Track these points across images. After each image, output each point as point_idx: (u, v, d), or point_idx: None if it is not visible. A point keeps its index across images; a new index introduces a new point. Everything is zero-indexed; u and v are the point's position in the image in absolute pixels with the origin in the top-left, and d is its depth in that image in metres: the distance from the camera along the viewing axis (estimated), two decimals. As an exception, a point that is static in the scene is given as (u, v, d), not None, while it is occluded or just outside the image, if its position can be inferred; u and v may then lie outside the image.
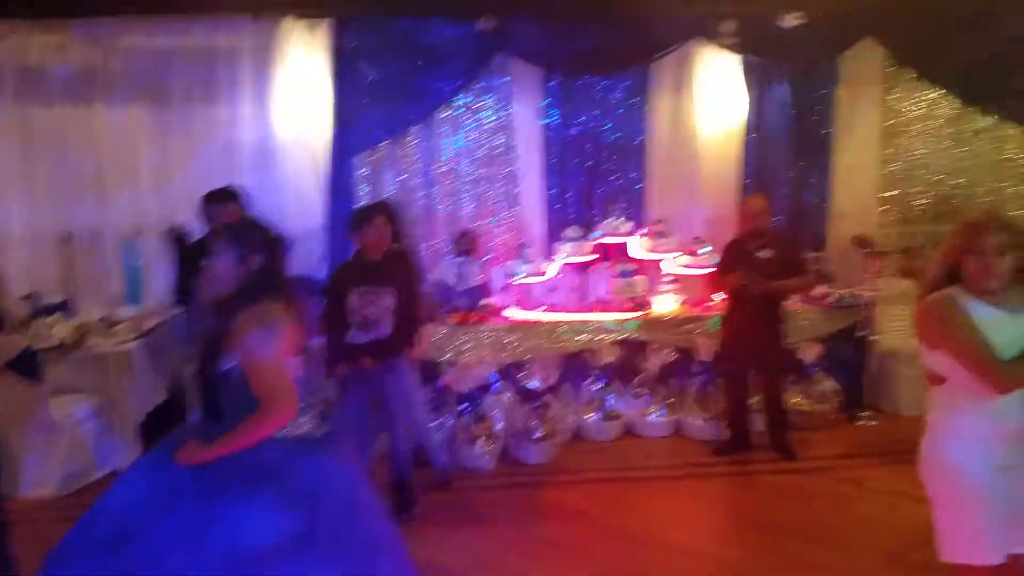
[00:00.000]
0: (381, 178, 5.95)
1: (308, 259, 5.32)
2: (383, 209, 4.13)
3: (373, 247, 4.00)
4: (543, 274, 5.67)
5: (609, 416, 5.30)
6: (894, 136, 6.36)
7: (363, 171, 5.89)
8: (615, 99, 6.17)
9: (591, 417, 5.29)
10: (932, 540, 2.45)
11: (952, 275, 2.34)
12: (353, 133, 5.72)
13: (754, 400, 5.06)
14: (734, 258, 4.81)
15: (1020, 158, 6.45)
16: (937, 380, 2.38)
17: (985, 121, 6.38)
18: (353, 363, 4.00)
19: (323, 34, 5.65)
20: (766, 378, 4.93)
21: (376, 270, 3.99)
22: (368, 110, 5.71)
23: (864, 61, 6.16)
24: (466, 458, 4.84)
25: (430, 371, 5.04)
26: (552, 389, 5.32)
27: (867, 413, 5.59)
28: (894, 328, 5.56)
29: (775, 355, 4.90)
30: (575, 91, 6.11)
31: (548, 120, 6.10)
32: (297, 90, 5.60)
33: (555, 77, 6.03)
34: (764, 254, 4.71)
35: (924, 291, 2.39)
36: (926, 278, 2.41)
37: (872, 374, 5.71)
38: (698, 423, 5.29)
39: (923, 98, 6.37)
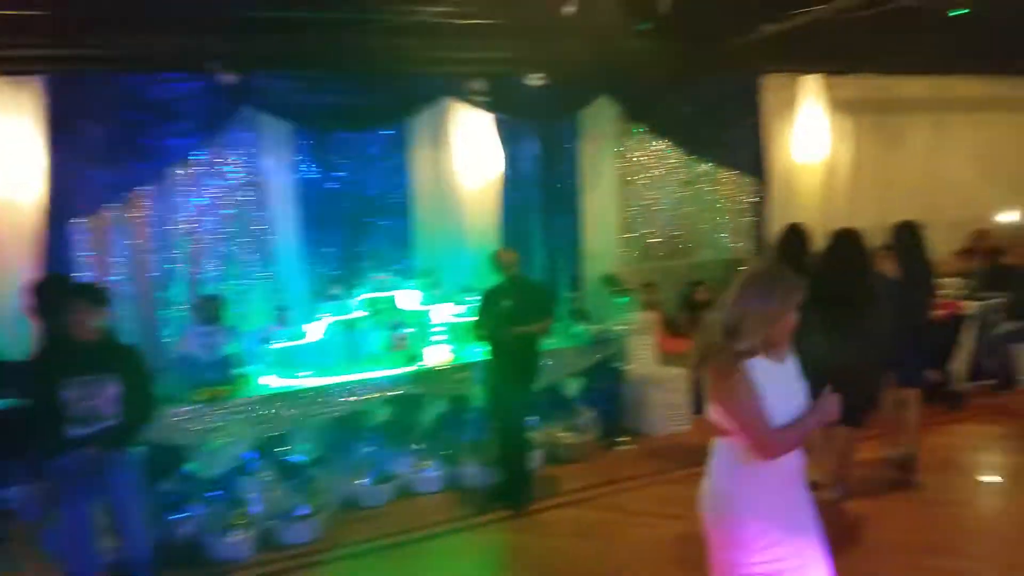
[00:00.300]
0: (109, 242, 5.44)
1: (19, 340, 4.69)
2: (85, 286, 3.74)
3: (82, 328, 3.59)
4: (305, 336, 5.48)
5: (382, 478, 5.19)
6: (630, 183, 7.15)
7: (86, 236, 5.35)
8: (375, 153, 6.24)
9: (362, 482, 5.15)
10: (690, 555, 2.60)
11: (733, 330, 2.30)
12: (73, 196, 5.19)
13: (527, 441, 5.25)
14: (484, 307, 5.02)
15: (734, 197, 7.53)
16: (721, 431, 2.43)
17: (704, 167, 7.32)
18: (73, 459, 3.53)
19: (34, 92, 5.09)
20: (509, 421, 5.06)
21: (92, 355, 3.59)
22: (91, 170, 5.21)
23: (601, 117, 6.83)
24: (219, 550, 4.47)
25: (173, 457, 4.64)
26: (318, 459, 5.10)
27: (625, 439, 6.06)
28: (642, 357, 6.10)
29: (528, 397, 5.14)
30: (331, 145, 6.10)
31: (302, 175, 5.98)
32: (3, 153, 4.98)
33: (307, 131, 5.93)
34: (506, 302, 4.93)
35: (732, 353, 2.30)
36: (732, 336, 2.30)
37: (628, 401, 6.21)
38: (474, 472, 5.36)
39: (652, 149, 7.19)
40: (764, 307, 2.30)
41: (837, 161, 7.69)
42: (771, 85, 7.36)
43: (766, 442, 2.28)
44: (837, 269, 4.59)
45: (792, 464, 2.38)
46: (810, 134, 7.51)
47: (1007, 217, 8.22)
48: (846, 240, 4.83)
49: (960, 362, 6.54)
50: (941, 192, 7.87)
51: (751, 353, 2.29)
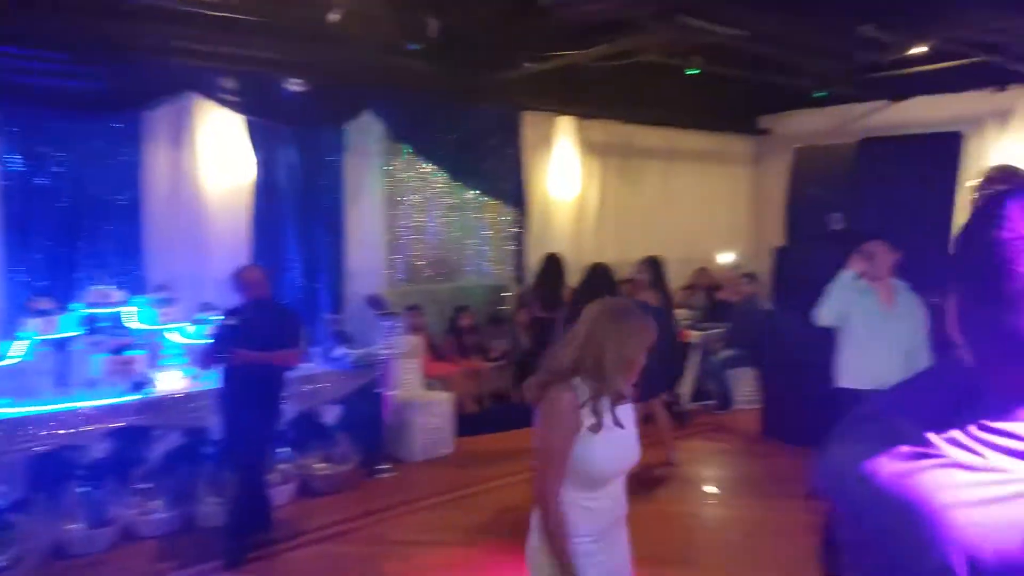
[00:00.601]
0: None
1: None
2: None
3: None
4: (3, 357, 4.88)
5: (99, 522, 4.71)
6: (397, 203, 7.40)
7: None
8: (101, 147, 5.72)
9: (75, 527, 4.63)
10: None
11: (595, 368, 2.27)
12: None
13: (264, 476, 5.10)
14: (223, 330, 4.75)
15: (498, 225, 8.10)
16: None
17: (471, 194, 7.80)
18: None
19: None
20: (245, 455, 4.83)
21: None
22: None
23: (367, 133, 6.99)
24: None
25: None
26: (18, 502, 4.51)
27: (386, 466, 6.13)
28: (406, 381, 6.27)
29: (269, 429, 4.96)
30: (45, 134, 5.47)
31: (6, 167, 5.30)
32: None
33: (14, 116, 5.29)
34: (247, 325, 4.68)
35: (572, 389, 2.28)
36: (594, 375, 2.27)
37: (390, 427, 6.32)
38: (209, 512, 5.07)
39: (419, 170, 7.51)
40: (620, 348, 2.28)
41: (587, 198, 8.64)
42: (530, 121, 8.06)
43: (545, 491, 2.27)
44: (591, 299, 5.22)
45: (617, 512, 2.45)
46: (564, 171, 8.35)
47: (724, 257, 9.82)
48: (598, 273, 5.63)
49: (686, 385, 7.67)
50: (670, 232, 9.18)
51: (621, 398, 2.31)
